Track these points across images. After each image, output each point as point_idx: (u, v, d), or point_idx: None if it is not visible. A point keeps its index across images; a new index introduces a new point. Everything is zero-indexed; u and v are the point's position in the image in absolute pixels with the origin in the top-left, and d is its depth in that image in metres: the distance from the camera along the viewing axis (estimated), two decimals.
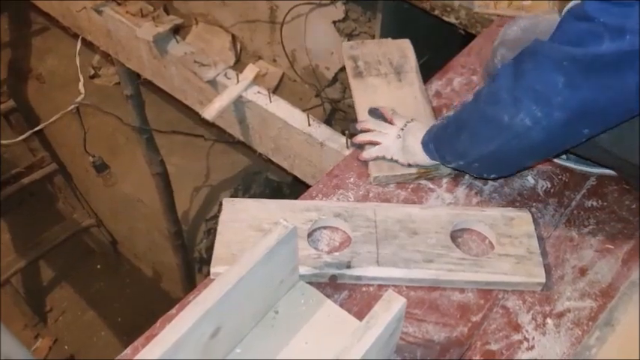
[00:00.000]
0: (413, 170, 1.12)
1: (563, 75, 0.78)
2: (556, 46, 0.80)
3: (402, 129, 1.13)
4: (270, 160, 1.72)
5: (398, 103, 1.25)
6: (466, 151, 0.98)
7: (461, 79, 1.37)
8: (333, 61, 2.63)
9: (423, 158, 1.08)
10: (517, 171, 1.10)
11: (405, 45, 1.40)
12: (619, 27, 0.72)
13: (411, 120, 1.15)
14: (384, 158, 1.14)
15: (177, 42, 1.68)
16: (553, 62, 0.80)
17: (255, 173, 2.79)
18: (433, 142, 1.05)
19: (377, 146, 1.15)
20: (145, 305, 3.15)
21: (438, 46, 1.95)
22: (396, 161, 1.13)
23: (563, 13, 0.86)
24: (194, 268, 2.90)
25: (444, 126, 1.03)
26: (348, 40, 2.45)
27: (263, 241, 0.81)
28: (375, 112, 1.21)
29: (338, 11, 2.42)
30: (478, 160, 0.98)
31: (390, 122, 1.17)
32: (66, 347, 3.14)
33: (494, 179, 1.11)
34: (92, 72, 3.15)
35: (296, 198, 1.11)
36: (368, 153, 1.15)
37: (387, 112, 1.19)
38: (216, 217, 2.75)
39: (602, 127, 0.85)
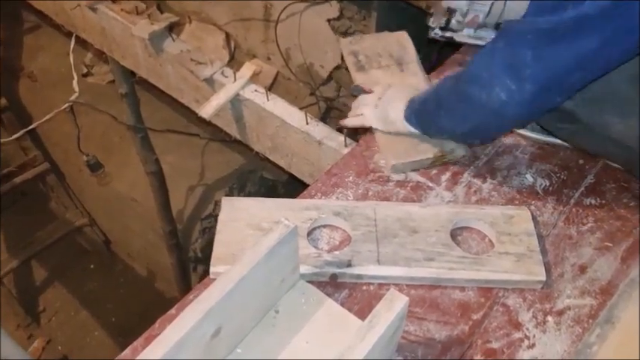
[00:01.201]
0: (430, 155, 1.14)
1: (530, 48, 0.84)
2: (523, 20, 0.87)
3: (380, 98, 1.17)
4: (266, 159, 1.71)
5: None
6: (447, 127, 1.06)
7: None
8: (328, 60, 2.62)
9: (403, 127, 1.13)
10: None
11: (403, 37, 1.42)
12: None
13: (389, 86, 1.18)
14: (363, 126, 1.20)
15: (173, 40, 1.66)
16: (520, 36, 0.85)
17: (250, 172, 2.78)
18: (415, 116, 1.10)
19: (358, 116, 1.20)
20: (139, 305, 3.13)
21: (433, 44, 1.95)
22: (377, 129, 1.18)
23: None
24: (189, 268, 2.89)
25: (423, 101, 1.09)
26: (344, 38, 2.44)
27: (264, 240, 0.81)
28: (356, 89, 1.26)
29: (333, 9, 2.42)
30: (460, 135, 1.07)
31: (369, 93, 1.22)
32: (59, 348, 3.11)
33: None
34: (85, 70, 3.13)
35: (291, 197, 1.10)
36: (348, 120, 1.21)
37: (365, 85, 1.23)
38: (211, 216, 2.73)
39: (570, 93, 0.90)
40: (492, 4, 1.18)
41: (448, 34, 1.25)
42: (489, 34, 1.24)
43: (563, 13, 0.80)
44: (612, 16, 0.77)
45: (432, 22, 1.29)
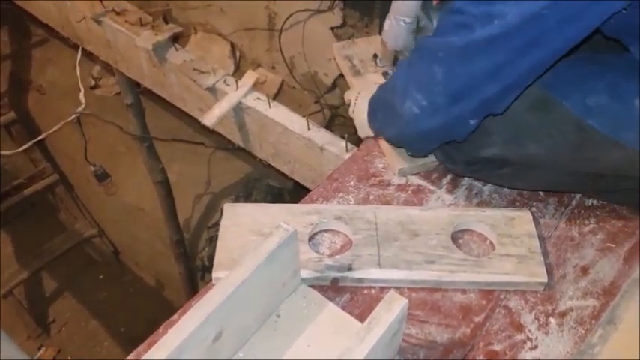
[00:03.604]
0: (434, 157, 1.14)
1: (442, 65, 0.88)
2: (433, 39, 0.91)
3: (353, 110, 1.21)
4: (270, 166, 1.72)
5: None
6: (381, 130, 1.11)
7: None
8: (332, 68, 2.64)
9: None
10: (430, 152, 1.12)
11: None
12: (487, 14, 0.82)
13: (358, 94, 1.21)
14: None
15: (177, 50, 1.68)
16: (431, 54, 0.90)
17: (256, 180, 2.79)
18: (368, 116, 1.14)
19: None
20: (148, 314, 3.15)
21: None
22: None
23: None
24: (196, 276, 2.90)
25: (370, 103, 1.12)
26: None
27: (264, 244, 0.82)
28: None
29: (336, 17, 2.43)
30: (391, 140, 1.11)
31: None
32: (69, 358, 3.13)
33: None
34: (92, 82, 3.17)
35: (297, 203, 1.11)
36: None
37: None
38: (217, 224, 2.74)
39: (487, 106, 0.92)
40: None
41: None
42: None
43: (472, 32, 0.84)
44: (520, 33, 0.81)
45: (379, 62, 1.35)
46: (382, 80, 1.31)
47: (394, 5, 1.17)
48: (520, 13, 0.79)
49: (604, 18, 0.80)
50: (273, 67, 2.89)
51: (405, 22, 1.17)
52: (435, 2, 1.17)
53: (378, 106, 1.10)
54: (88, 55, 2.23)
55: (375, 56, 1.36)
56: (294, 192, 2.71)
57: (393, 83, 0.99)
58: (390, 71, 1.31)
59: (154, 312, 3.15)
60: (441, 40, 0.90)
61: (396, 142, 1.12)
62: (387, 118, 1.04)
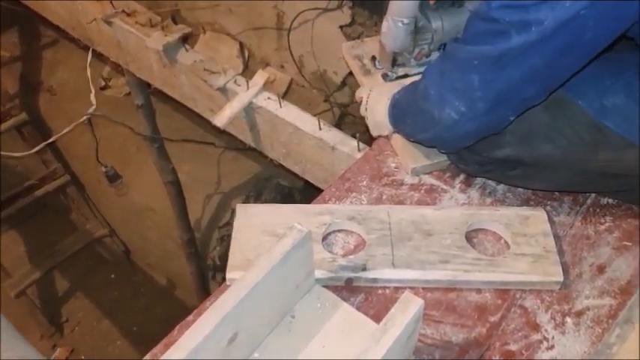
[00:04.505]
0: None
1: (477, 73, 0.88)
2: (466, 47, 0.90)
3: (366, 108, 1.20)
4: (281, 166, 1.72)
5: None
6: (412, 134, 1.10)
7: None
8: (341, 66, 2.63)
9: (391, 129, 1.15)
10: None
11: None
12: (524, 22, 0.81)
13: (370, 91, 1.20)
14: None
15: (187, 50, 1.69)
16: (466, 63, 0.89)
17: (267, 179, 2.79)
18: (391, 119, 1.13)
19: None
20: (160, 314, 3.16)
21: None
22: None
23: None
24: (208, 276, 2.90)
25: (394, 105, 1.12)
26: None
27: (278, 245, 0.82)
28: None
29: (345, 16, 2.43)
30: (424, 142, 1.10)
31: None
32: (82, 357, 3.15)
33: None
34: (103, 83, 3.18)
35: (307, 203, 1.11)
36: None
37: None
38: (228, 224, 2.75)
39: (523, 106, 0.93)
40: (433, 35, 1.22)
41: (400, 71, 1.28)
42: (436, 55, 1.27)
43: (508, 40, 0.83)
44: (557, 36, 0.81)
45: (378, 64, 1.34)
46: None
47: (391, 6, 1.16)
48: (557, 18, 0.78)
49: None
50: (282, 66, 2.89)
51: (402, 23, 1.17)
52: (431, 2, 1.16)
53: (405, 113, 1.08)
54: (98, 56, 2.24)
55: (374, 58, 1.35)
56: (304, 191, 2.71)
57: (425, 91, 0.97)
58: (390, 73, 1.30)
59: (166, 312, 3.16)
60: (474, 49, 0.88)
61: (429, 144, 1.11)
62: (421, 124, 1.02)
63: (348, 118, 2.74)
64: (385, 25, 1.19)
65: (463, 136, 0.99)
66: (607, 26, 0.81)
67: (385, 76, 1.30)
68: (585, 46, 0.83)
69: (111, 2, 1.80)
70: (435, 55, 1.28)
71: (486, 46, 0.86)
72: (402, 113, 1.10)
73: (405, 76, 1.28)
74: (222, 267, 2.88)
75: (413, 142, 1.13)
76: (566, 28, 0.79)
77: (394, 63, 1.28)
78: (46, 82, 3.43)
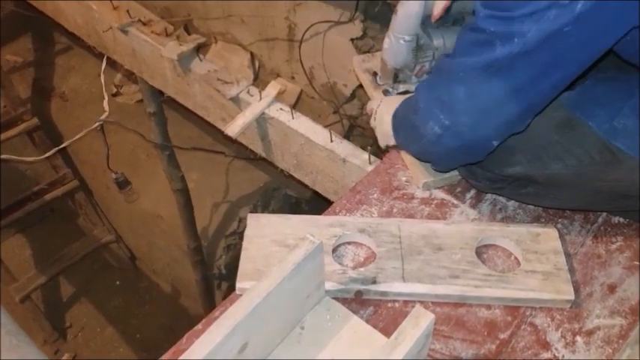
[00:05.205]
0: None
1: (463, 85, 0.88)
2: (454, 60, 0.91)
3: (375, 118, 1.20)
4: (289, 176, 1.72)
5: None
6: (406, 147, 1.13)
7: None
8: (351, 78, 2.64)
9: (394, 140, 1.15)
10: (455, 168, 1.12)
11: None
12: (508, 33, 0.81)
13: (380, 102, 1.20)
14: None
15: (201, 60, 1.70)
16: (452, 75, 0.90)
17: (275, 189, 2.80)
18: (393, 130, 1.13)
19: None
20: (164, 322, 3.16)
21: None
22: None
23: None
24: (213, 285, 2.90)
25: (394, 116, 1.12)
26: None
27: (290, 255, 0.82)
28: None
29: (356, 29, 2.44)
30: (416, 155, 1.12)
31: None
32: None
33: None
34: (114, 90, 3.21)
35: (315, 214, 1.11)
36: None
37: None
38: (235, 233, 2.75)
39: (508, 127, 0.92)
40: (434, 53, 1.23)
41: (401, 87, 1.29)
42: None
43: (493, 50, 0.83)
44: (540, 51, 0.81)
45: (379, 80, 1.34)
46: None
47: (393, 23, 1.17)
48: (540, 32, 0.79)
49: (626, 30, 0.80)
50: (293, 77, 2.91)
51: (404, 41, 1.18)
52: (433, 20, 1.17)
53: (400, 125, 1.10)
54: (111, 64, 2.27)
55: (375, 74, 1.36)
56: (312, 202, 2.71)
57: (416, 105, 0.99)
58: (391, 89, 1.31)
59: (170, 319, 3.16)
60: (461, 61, 0.89)
61: (422, 159, 1.14)
62: (411, 137, 1.05)
63: (357, 130, 2.75)
64: (387, 41, 1.20)
65: (447, 153, 0.99)
66: (590, 47, 0.82)
67: (386, 92, 1.31)
68: (569, 64, 0.84)
69: (127, 11, 1.82)
70: None
71: (472, 57, 0.87)
72: (398, 126, 1.12)
73: (406, 92, 1.29)
74: (227, 276, 2.88)
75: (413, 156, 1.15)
76: (549, 44, 0.80)
77: (395, 79, 1.29)
78: (58, 88, 3.47)
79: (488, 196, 1.14)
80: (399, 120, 1.11)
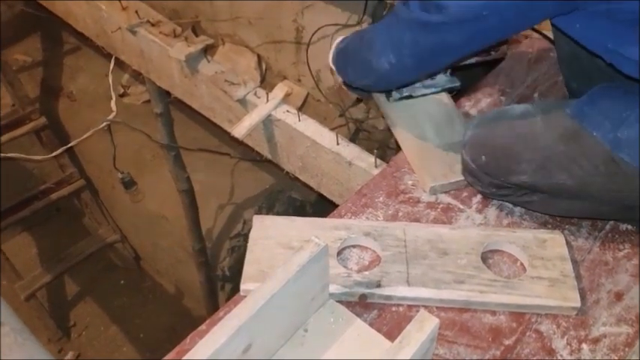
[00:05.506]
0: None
1: (410, 32, 1.03)
2: (406, 10, 1.03)
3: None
4: (295, 179, 1.72)
5: (427, 110, 1.28)
6: (354, 80, 1.24)
7: (489, 100, 1.37)
8: None
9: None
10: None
11: None
12: (436, 5, 0.96)
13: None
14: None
15: (208, 61, 1.71)
16: (404, 21, 1.03)
17: (279, 191, 2.80)
18: (335, 60, 1.28)
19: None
20: (167, 322, 3.16)
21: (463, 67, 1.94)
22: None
23: None
24: (216, 286, 2.90)
25: (340, 50, 1.25)
26: None
27: (295, 257, 0.82)
28: None
29: None
30: (364, 87, 1.25)
31: None
32: None
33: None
34: (121, 91, 3.22)
35: (319, 216, 1.11)
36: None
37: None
38: (239, 235, 2.75)
39: (442, 65, 1.18)
40: None
41: (404, 91, 1.30)
42: (441, 77, 1.32)
43: (429, 16, 0.97)
44: (463, 25, 0.95)
45: None
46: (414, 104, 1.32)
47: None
48: (460, 9, 0.93)
49: (543, 18, 0.96)
50: (299, 80, 2.91)
51: None
52: None
53: (350, 59, 1.21)
54: (118, 64, 2.27)
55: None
56: (316, 204, 2.71)
57: (371, 42, 1.10)
58: (394, 92, 1.32)
59: (173, 320, 3.16)
60: (410, 12, 1.01)
61: (371, 88, 1.28)
62: (361, 71, 1.17)
63: (363, 134, 2.74)
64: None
65: (394, 82, 1.20)
66: (508, 28, 0.99)
67: (389, 96, 1.30)
68: (489, 38, 1.01)
69: (136, 12, 1.83)
70: (439, 75, 1.30)
71: (417, 13, 1.00)
72: (345, 60, 1.23)
73: (410, 97, 1.29)
74: (231, 277, 2.88)
75: (355, 88, 1.27)
76: (471, 22, 0.94)
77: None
78: (66, 87, 3.48)
79: (495, 201, 1.14)
80: (347, 56, 1.22)
